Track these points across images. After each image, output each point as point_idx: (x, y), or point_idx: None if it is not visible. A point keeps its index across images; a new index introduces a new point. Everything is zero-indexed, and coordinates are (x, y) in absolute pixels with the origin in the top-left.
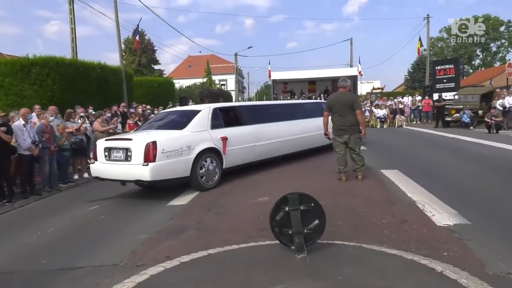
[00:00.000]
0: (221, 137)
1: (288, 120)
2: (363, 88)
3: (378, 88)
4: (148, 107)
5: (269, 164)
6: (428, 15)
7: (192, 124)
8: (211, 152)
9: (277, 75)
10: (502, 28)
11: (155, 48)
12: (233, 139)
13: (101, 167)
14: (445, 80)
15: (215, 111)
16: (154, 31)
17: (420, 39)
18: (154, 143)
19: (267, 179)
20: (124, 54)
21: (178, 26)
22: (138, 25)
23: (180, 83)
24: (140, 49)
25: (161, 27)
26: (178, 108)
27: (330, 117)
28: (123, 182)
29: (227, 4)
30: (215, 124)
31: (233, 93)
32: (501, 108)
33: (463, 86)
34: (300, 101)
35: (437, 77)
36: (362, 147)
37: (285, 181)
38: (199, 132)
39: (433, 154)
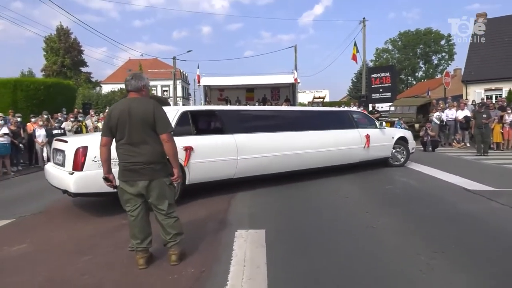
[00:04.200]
0: (184, 147)
1: (287, 131)
2: (304, 98)
3: (320, 97)
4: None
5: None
6: (364, 18)
7: None
8: None
9: (208, 81)
10: (442, 42)
11: (81, 48)
12: (206, 150)
13: (48, 169)
14: (381, 90)
15: (183, 115)
16: (110, 33)
17: (355, 44)
18: (85, 148)
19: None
20: (45, 53)
21: (133, 30)
22: None
23: (112, 88)
24: (63, 49)
25: (116, 30)
26: None
27: (115, 146)
28: (63, 190)
29: (185, 9)
30: (179, 131)
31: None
32: (438, 122)
33: (406, 97)
34: (311, 108)
35: (372, 86)
36: None
37: None
38: None
39: (330, 195)
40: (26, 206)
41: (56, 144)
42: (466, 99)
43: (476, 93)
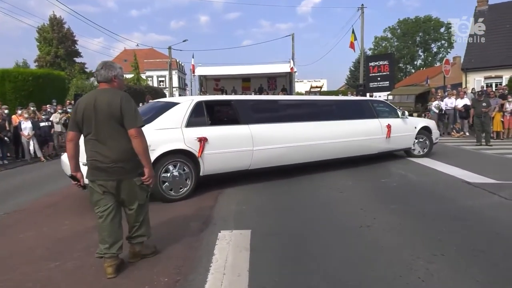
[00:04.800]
0: (198, 138)
1: (304, 121)
2: (302, 87)
3: (317, 87)
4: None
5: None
6: (362, 5)
7: (161, 119)
8: (182, 155)
9: (204, 71)
10: (442, 30)
11: (75, 38)
12: (220, 141)
13: (64, 160)
14: (379, 78)
15: (198, 105)
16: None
17: (353, 32)
18: None
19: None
20: (38, 44)
21: (130, 20)
22: None
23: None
24: (56, 39)
25: (114, 20)
26: (168, 99)
27: (83, 141)
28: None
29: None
30: (194, 121)
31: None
32: (437, 111)
33: (405, 85)
34: (329, 97)
35: (370, 74)
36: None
37: None
38: (167, 130)
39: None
40: (2, 204)
41: None
42: (466, 87)
43: (475, 81)
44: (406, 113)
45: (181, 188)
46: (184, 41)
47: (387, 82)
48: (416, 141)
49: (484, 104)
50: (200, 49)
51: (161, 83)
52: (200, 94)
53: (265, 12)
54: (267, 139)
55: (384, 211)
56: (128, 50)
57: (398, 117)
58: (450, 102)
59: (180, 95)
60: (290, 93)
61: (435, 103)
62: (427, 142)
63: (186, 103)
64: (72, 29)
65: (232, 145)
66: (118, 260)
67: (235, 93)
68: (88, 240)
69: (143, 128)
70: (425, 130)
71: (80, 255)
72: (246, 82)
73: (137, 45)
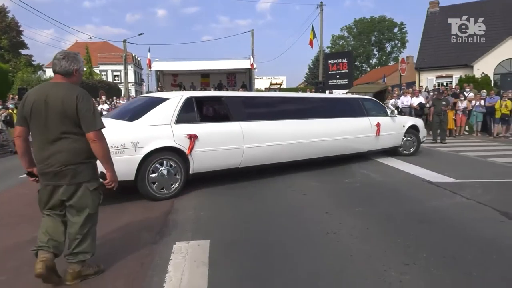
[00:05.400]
0: (188, 135)
1: (295, 118)
2: (261, 84)
3: (277, 84)
4: None
5: None
6: (321, 2)
7: (149, 115)
8: (171, 153)
9: (161, 65)
10: (395, 30)
11: (21, 29)
12: (210, 138)
13: None
14: (338, 76)
15: (188, 101)
16: (58, 15)
17: (313, 29)
18: None
19: None
20: None
21: (83, 12)
22: None
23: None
24: None
25: (66, 11)
26: (155, 94)
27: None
28: None
29: None
30: (184, 118)
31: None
32: (394, 109)
33: (362, 83)
34: (320, 94)
35: (329, 72)
36: None
37: None
38: (156, 127)
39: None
40: None
41: None
42: (421, 86)
43: (428, 80)
44: (395, 111)
45: (172, 185)
46: (140, 34)
47: (346, 80)
48: (405, 139)
49: (443, 103)
50: (157, 43)
51: (116, 78)
52: (158, 90)
53: (224, 8)
54: (258, 136)
55: (349, 214)
56: (80, 42)
57: (387, 115)
58: (406, 100)
59: (136, 90)
60: (250, 90)
61: (392, 101)
62: (415, 141)
63: (175, 99)
64: (19, 20)
65: (223, 142)
66: (52, 261)
67: (194, 89)
68: (20, 258)
69: (131, 124)
70: (413, 128)
71: (8, 278)
72: (205, 78)
73: (90, 37)
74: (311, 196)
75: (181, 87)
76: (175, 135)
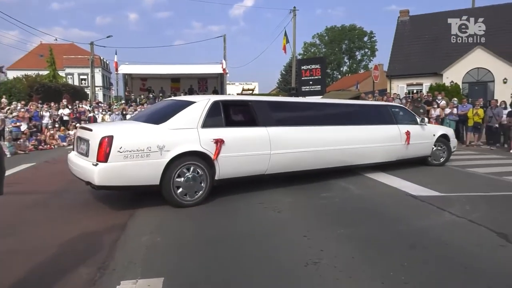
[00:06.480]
0: (214, 139)
1: (324, 124)
2: (234, 89)
3: (249, 89)
4: None
5: None
6: (294, 7)
7: (175, 118)
8: (196, 158)
9: (129, 69)
10: (365, 39)
11: None
12: (237, 143)
13: (71, 158)
14: (311, 82)
15: (214, 105)
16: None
17: (285, 35)
18: (110, 138)
19: None
20: None
21: (50, 14)
22: None
23: (19, 74)
24: None
25: (32, 13)
26: (181, 97)
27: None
28: (86, 182)
29: None
30: (210, 122)
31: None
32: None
33: (334, 90)
34: (348, 101)
35: (302, 78)
36: None
37: None
38: (182, 130)
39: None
40: None
41: (80, 132)
42: (395, 93)
43: (399, 87)
44: (426, 120)
45: (196, 193)
46: (108, 36)
47: (319, 86)
48: (434, 149)
49: (421, 110)
50: (127, 46)
51: (84, 82)
52: (125, 95)
53: (197, 13)
54: (286, 142)
55: (331, 238)
56: (44, 44)
57: (416, 123)
58: None
59: (104, 94)
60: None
61: None
62: (445, 150)
63: (202, 102)
64: None
65: (249, 148)
66: None
67: (163, 94)
68: None
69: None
70: (444, 138)
71: None
72: (175, 82)
73: (56, 39)
74: (287, 214)
75: (150, 92)
76: (201, 139)
